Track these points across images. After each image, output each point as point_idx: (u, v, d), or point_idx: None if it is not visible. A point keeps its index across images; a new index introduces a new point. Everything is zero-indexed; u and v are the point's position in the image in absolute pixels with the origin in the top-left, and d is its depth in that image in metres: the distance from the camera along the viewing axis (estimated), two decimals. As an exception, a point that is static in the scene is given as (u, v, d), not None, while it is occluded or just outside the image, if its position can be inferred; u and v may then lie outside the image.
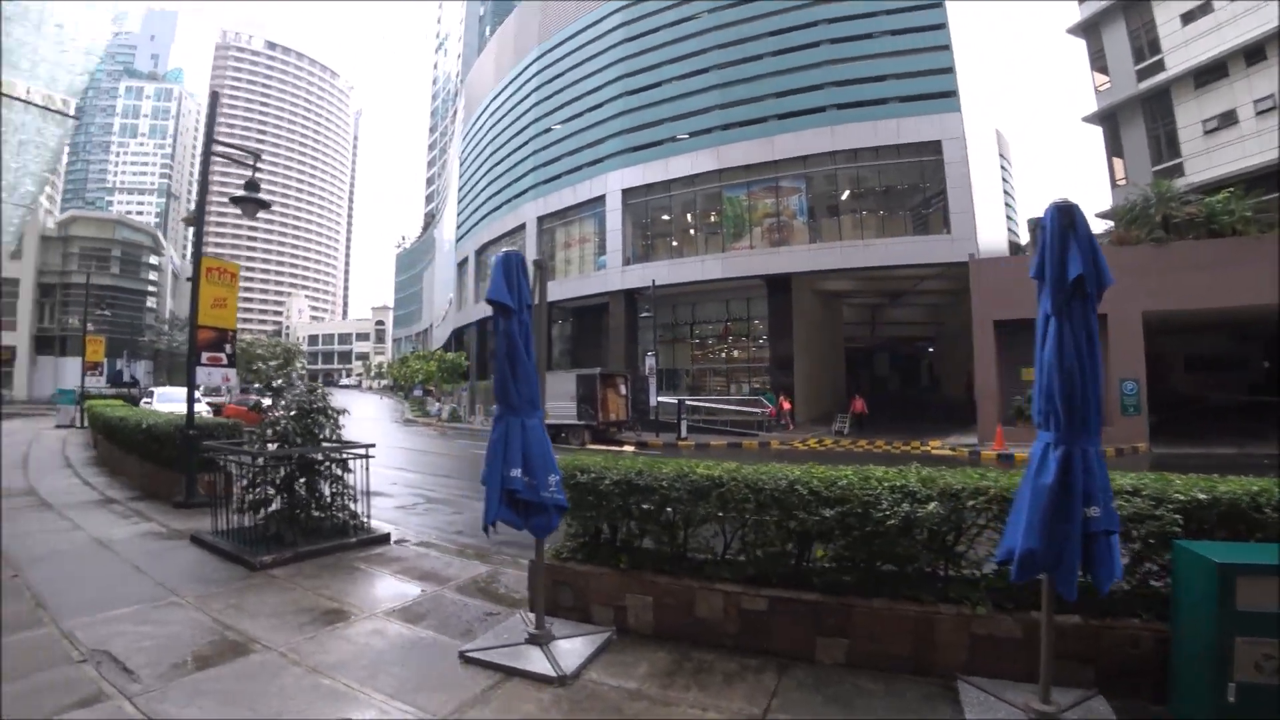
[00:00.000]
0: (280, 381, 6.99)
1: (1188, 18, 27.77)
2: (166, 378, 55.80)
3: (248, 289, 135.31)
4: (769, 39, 30.53)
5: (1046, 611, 3.36)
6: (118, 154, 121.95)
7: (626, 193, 33.18)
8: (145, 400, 23.53)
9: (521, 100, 42.32)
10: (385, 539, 7.12)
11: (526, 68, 42.14)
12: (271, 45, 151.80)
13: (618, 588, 4.62)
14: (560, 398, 23.32)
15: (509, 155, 43.21)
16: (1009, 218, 38.46)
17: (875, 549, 4.05)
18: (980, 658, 3.79)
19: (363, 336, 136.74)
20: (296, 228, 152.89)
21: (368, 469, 7.04)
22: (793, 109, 29.44)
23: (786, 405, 26.38)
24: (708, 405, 28.43)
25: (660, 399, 26.51)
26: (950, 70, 27.53)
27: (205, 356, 9.41)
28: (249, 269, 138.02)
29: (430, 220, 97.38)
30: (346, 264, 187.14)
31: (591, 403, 22.70)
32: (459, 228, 54.08)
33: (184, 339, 56.28)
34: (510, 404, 4.21)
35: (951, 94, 27.23)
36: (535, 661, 4.00)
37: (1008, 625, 3.76)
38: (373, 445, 7.09)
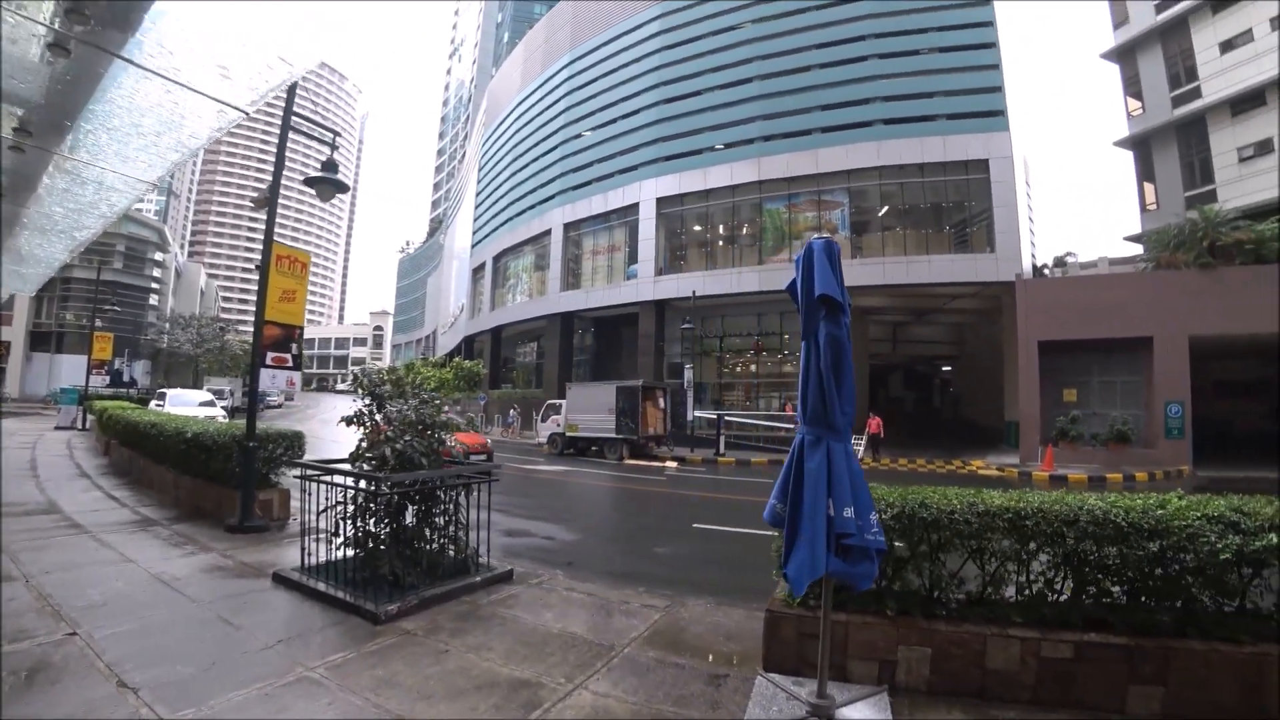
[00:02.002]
0: (389, 389, 5.71)
1: (1227, 46, 28.00)
2: (164, 378, 54.18)
3: (244, 291, 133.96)
4: (815, 51, 29.96)
5: None
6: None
7: (661, 201, 32.27)
8: (156, 402, 22.13)
9: (550, 106, 41.53)
10: (508, 576, 5.96)
11: (556, 74, 41.39)
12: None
13: (888, 638, 3.92)
14: (597, 410, 22.19)
15: (535, 161, 42.33)
16: (1030, 242, 38.16)
17: (1181, 586, 3.68)
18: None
19: (360, 341, 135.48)
20: (296, 228, 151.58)
21: (489, 493, 5.84)
22: (838, 122, 28.78)
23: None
24: (741, 420, 27.31)
25: (696, 413, 25.38)
26: (999, 89, 27.10)
27: (270, 357, 8.16)
28: (246, 270, 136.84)
29: (436, 226, 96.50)
30: (345, 267, 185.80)
31: (632, 416, 21.50)
32: (475, 233, 53.00)
33: (185, 338, 55.45)
34: (832, 424, 3.31)
35: (1000, 113, 26.82)
36: (838, 740, 3.29)
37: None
38: (498, 467, 5.88)
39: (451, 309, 62.73)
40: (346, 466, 5.65)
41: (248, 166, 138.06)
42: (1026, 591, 3.98)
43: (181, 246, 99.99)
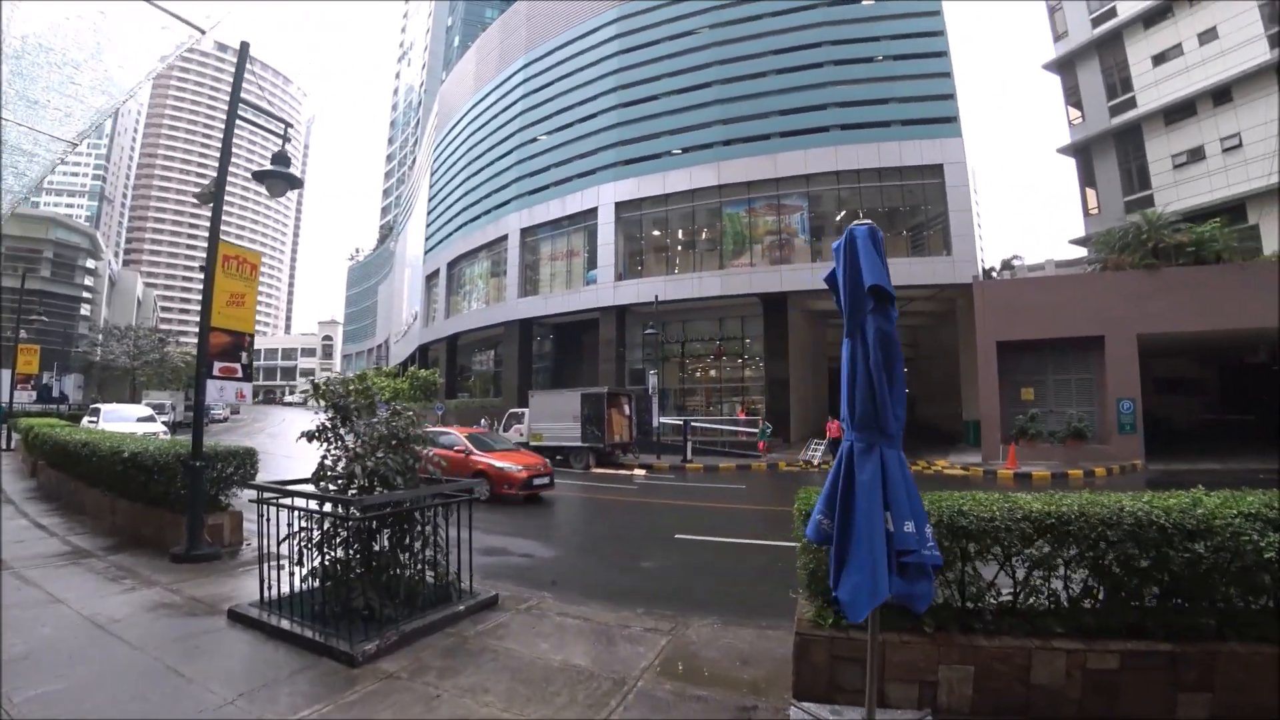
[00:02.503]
0: (355, 402, 5.16)
1: (1159, 59, 29.27)
2: (98, 393, 51.28)
3: (185, 300, 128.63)
4: (772, 57, 30.14)
5: None
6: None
7: (620, 206, 31.88)
8: (89, 419, 20.67)
9: (505, 110, 40.75)
10: (494, 602, 5.49)
11: (510, 77, 40.68)
12: (222, 47, 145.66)
13: (928, 658, 3.65)
14: (562, 418, 21.65)
15: (489, 166, 41.45)
16: (979, 246, 39.19)
17: (1211, 586, 3.55)
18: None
19: (308, 352, 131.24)
20: (240, 235, 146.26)
21: (470, 513, 5.34)
22: (796, 127, 28.96)
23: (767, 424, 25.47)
24: (706, 425, 27.12)
25: (662, 419, 25.06)
26: (951, 97, 27.67)
27: (217, 367, 7.46)
28: (186, 278, 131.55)
29: (387, 233, 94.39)
30: (291, 276, 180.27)
31: (598, 423, 21.02)
32: (428, 240, 51.72)
33: (121, 350, 52.64)
34: (885, 429, 3.07)
35: (952, 119, 27.33)
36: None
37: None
38: (479, 483, 5.38)
39: (404, 317, 61.17)
40: (309, 488, 5.08)
41: (187, 170, 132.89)
42: (1060, 599, 3.81)
43: (116, 254, 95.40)
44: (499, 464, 12.72)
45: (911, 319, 38.71)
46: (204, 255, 7.34)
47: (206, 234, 7.46)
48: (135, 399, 44.50)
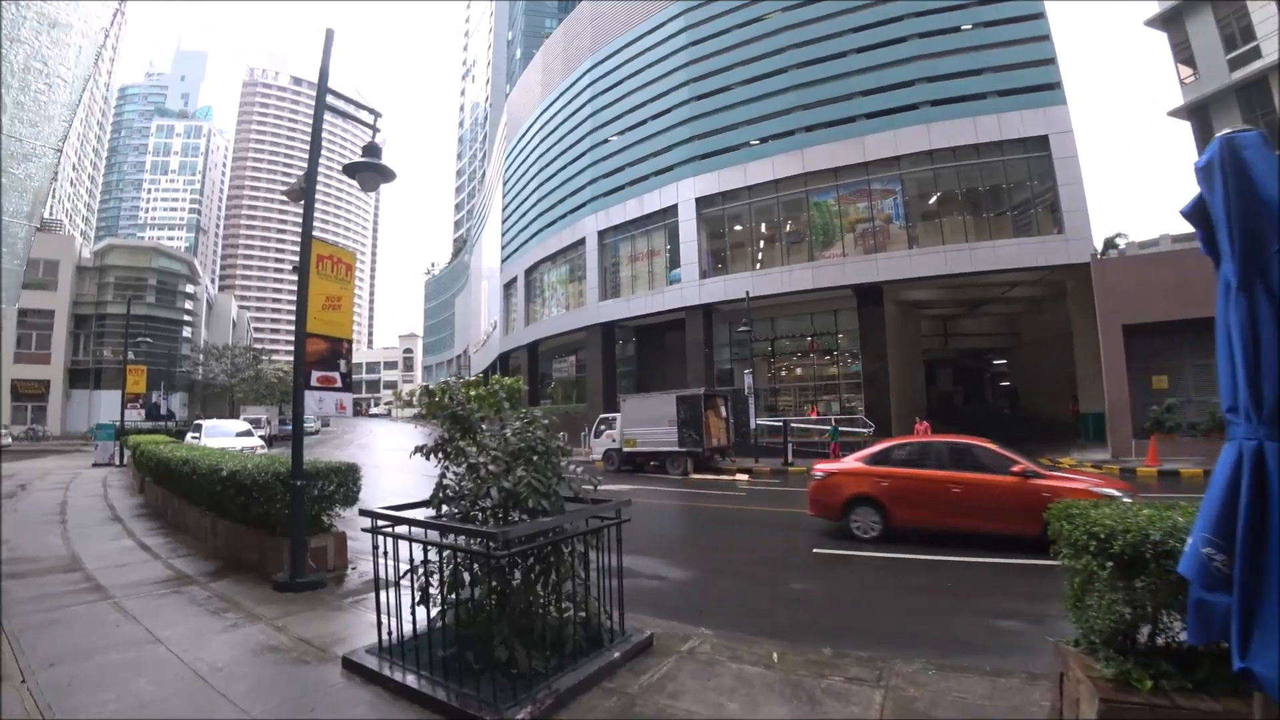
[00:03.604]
0: (480, 411, 4.32)
1: None
2: (202, 409, 54.01)
3: (275, 320, 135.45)
4: (851, 35, 28.45)
5: None
6: (149, 190, 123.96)
7: (700, 201, 30.82)
8: (192, 435, 21.24)
9: (575, 113, 40.45)
10: (648, 645, 4.54)
11: (578, 80, 40.36)
12: (297, 81, 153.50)
13: None
14: (656, 422, 20.75)
15: (562, 170, 41.21)
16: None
17: None
18: None
19: (390, 365, 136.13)
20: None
21: (619, 537, 4.43)
22: (883, 107, 27.17)
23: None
24: (805, 426, 25.65)
25: (759, 421, 23.80)
26: (1052, 61, 25.41)
27: (315, 376, 6.85)
28: (276, 300, 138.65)
29: (460, 246, 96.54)
30: (371, 293, 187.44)
31: (695, 427, 19.98)
32: (504, 248, 52.09)
33: (220, 368, 55.29)
34: None
35: (1055, 85, 25.03)
36: None
37: None
38: (627, 503, 4.46)
39: (483, 327, 61.97)
40: (427, 512, 4.27)
41: (271, 199, 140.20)
42: None
43: (212, 279, 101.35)
44: (1103, 491, 7.70)
45: (1008, 306, 36.28)
46: (291, 279, 6.80)
47: (291, 259, 6.91)
48: (234, 414, 46.51)
